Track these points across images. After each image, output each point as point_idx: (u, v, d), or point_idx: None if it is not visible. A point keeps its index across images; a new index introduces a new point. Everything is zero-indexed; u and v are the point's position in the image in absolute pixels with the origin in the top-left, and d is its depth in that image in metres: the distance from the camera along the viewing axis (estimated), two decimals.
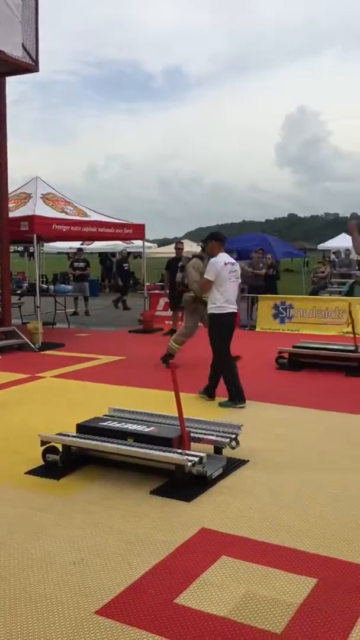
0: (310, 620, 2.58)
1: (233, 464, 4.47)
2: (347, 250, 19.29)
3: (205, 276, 6.44)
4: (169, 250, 18.21)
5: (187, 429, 4.36)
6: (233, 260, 6.62)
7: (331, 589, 2.82)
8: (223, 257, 6.49)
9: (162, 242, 39.06)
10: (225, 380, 6.49)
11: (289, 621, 2.57)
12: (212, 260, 6.48)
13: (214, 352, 6.55)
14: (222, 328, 6.43)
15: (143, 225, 13.50)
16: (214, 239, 6.70)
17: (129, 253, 19.88)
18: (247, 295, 14.15)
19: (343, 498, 3.89)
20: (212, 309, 6.44)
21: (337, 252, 22.57)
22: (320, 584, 2.86)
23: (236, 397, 6.34)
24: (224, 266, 6.37)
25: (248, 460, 4.57)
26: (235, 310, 6.53)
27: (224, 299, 6.36)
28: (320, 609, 2.66)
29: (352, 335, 8.56)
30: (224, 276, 6.35)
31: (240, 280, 6.69)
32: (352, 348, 8.26)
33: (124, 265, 17.91)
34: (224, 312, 6.38)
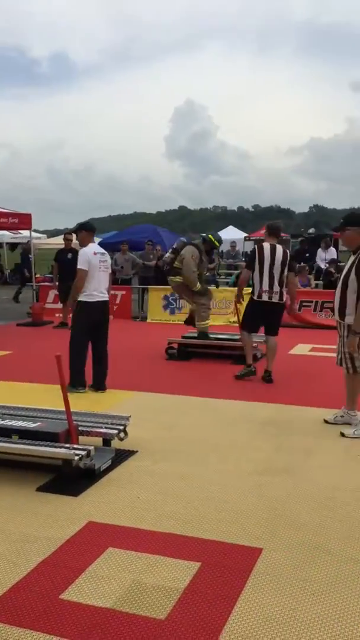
0: (193, 603, 2.66)
1: (122, 455, 4.49)
2: (233, 242, 19.91)
3: (79, 267, 6.48)
4: (60, 241, 17.87)
5: (74, 422, 4.32)
6: (103, 250, 6.77)
7: (213, 571, 2.92)
8: (93, 248, 6.64)
9: (53, 233, 38.12)
10: (71, 364, 6.47)
11: (173, 606, 2.64)
12: (82, 250, 6.58)
13: (71, 337, 6.60)
14: (87, 316, 6.51)
15: (29, 215, 13.14)
16: (84, 229, 6.75)
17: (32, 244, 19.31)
18: (138, 286, 14.21)
19: (227, 483, 4.03)
20: (81, 297, 6.51)
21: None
22: (203, 567, 2.95)
23: (76, 382, 6.44)
24: (94, 256, 6.50)
25: (137, 451, 4.61)
26: (106, 299, 6.64)
27: (92, 287, 6.45)
28: (203, 591, 2.75)
29: (237, 324, 8.86)
30: (94, 265, 6.46)
31: (110, 270, 6.79)
32: (238, 337, 8.54)
33: (29, 256, 17.45)
34: (92, 300, 6.48)
